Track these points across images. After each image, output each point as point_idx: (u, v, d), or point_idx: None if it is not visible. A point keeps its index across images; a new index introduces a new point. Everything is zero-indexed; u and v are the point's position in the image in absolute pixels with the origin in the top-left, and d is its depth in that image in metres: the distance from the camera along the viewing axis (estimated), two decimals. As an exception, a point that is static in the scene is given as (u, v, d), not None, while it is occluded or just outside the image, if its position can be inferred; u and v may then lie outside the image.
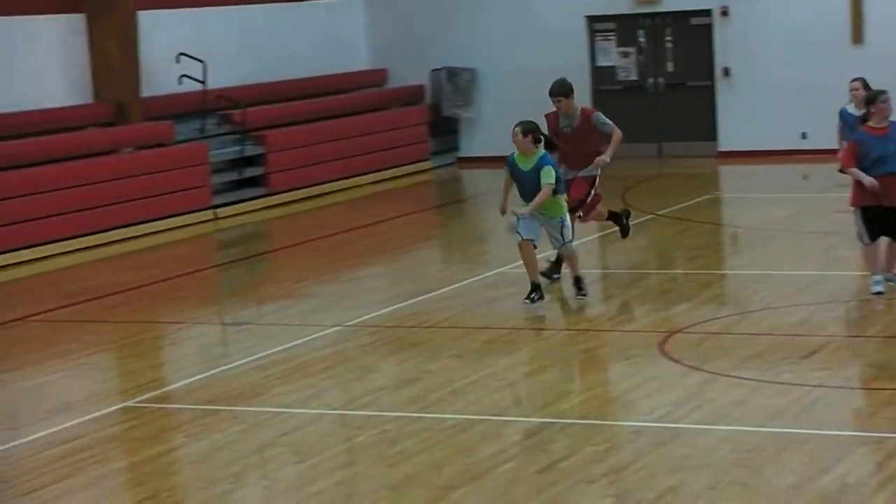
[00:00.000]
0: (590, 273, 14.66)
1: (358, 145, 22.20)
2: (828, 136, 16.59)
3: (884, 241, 12.25)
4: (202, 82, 20.36)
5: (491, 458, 8.61)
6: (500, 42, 23.89)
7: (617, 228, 14.70)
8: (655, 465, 8.32)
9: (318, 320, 12.74)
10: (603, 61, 23.64)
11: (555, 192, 12.53)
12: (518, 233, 12.54)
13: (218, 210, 19.72)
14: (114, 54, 19.22)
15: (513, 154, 12.73)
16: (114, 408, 10.34)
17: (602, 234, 17.08)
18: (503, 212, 12.93)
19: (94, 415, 10.12)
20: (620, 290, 13.80)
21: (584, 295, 12.79)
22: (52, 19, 18.96)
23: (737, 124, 22.90)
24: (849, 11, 22.16)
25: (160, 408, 10.29)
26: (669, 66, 23.39)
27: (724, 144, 23.08)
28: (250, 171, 20.68)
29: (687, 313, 12.43)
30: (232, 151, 20.55)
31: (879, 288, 12.24)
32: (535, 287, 12.66)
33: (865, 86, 14.77)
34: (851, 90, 15.20)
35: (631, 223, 14.66)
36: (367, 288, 14.51)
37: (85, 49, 19.30)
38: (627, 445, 8.74)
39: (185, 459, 9.11)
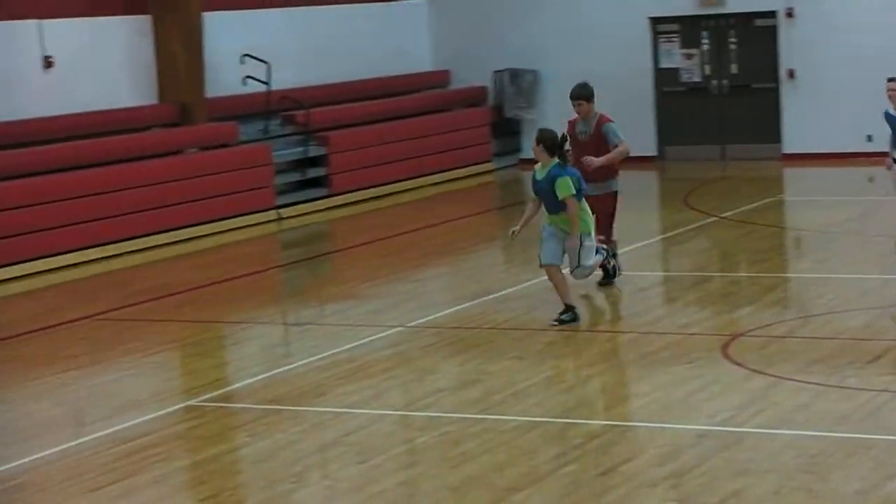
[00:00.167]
0: (651, 276, 14.65)
1: (420, 146, 22.22)
2: (894, 138, 16.41)
3: None
4: (266, 83, 20.45)
5: (553, 461, 8.58)
6: (562, 43, 23.83)
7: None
8: (719, 470, 8.25)
9: (380, 321, 12.76)
10: (666, 63, 23.53)
11: (579, 193, 11.97)
12: (539, 256, 12.19)
13: (281, 210, 19.80)
14: (179, 55, 19.34)
15: (535, 170, 12.30)
16: (177, 406, 10.40)
17: (664, 236, 17.01)
18: (512, 235, 12.37)
19: (158, 413, 10.18)
20: (683, 293, 13.71)
21: (563, 322, 11.96)
22: (118, 21, 19.11)
23: (801, 126, 22.72)
24: (915, 13, 21.96)
25: (223, 407, 10.34)
26: (733, 68, 23.24)
27: (789, 147, 22.90)
28: (313, 172, 20.74)
29: (750, 316, 12.34)
30: (295, 152, 20.63)
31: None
32: (568, 308, 12.10)
33: None
34: (888, 91, 14.75)
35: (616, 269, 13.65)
36: (429, 289, 14.52)
37: (150, 50, 19.43)
38: (690, 449, 8.67)
39: (247, 459, 9.15)
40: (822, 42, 22.40)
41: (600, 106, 22.39)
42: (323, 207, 20.41)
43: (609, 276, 13.34)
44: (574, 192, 11.85)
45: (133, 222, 17.55)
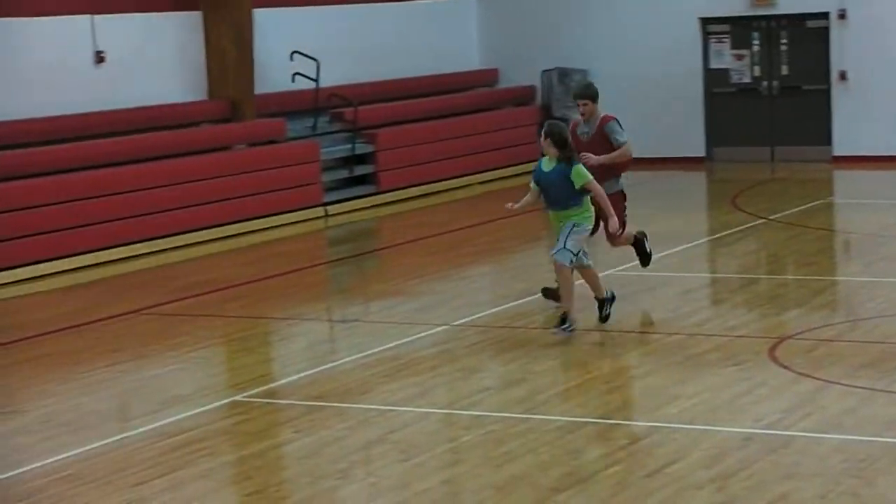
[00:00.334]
0: (699, 277, 14.59)
1: (468, 145, 22.22)
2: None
3: None
4: (315, 80, 20.50)
5: (598, 461, 8.56)
6: (611, 43, 23.78)
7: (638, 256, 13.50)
8: (765, 473, 8.21)
9: (425, 319, 12.76)
10: (716, 64, 23.42)
11: (584, 192, 11.57)
12: (552, 255, 11.72)
13: (328, 207, 19.84)
14: (229, 52, 19.42)
15: (539, 161, 11.93)
16: (223, 402, 10.44)
17: (712, 237, 16.93)
18: (509, 207, 11.91)
19: (204, 408, 10.23)
20: (730, 295, 13.65)
21: (562, 330, 11.56)
22: (169, 17, 19.21)
23: (852, 129, 22.57)
24: (969, 15, 21.78)
25: (268, 403, 10.37)
26: (784, 70, 23.11)
27: (839, 149, 22.74)
28: (360, 169, 20.78)
29: (798, 319, 12.27)
30: (343, 149, 20.67)
31: None
32: (603, 301, 12.01)
33: None
34: None
35: (651, 250, 13.43)
36: (475, 287, 14.51)
37: (201, 47, 19.52)
38: (736, 452, 8.63)
39: (292, 454, 9.17)
40: (874, 44, 22.24)
41: (648, 105, 22.50)
42: (370, 205, 20.45)
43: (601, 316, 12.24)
44: (591, 177, 11.56)
45: (181, 217, 17.64)
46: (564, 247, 11.57)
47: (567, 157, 11.55)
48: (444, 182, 21.56)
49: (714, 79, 23.44)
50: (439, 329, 12.32)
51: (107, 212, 16.77)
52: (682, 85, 23.26)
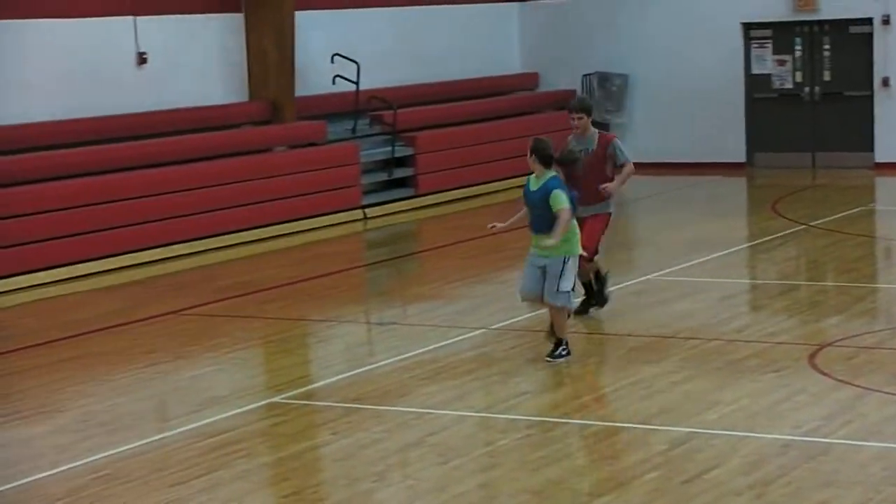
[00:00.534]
0: (738, 283, 14.52)
1: (508, 148, 22.16)
2: None
3: None
4: (355, 83, 20.53)
5: (635, 467, 8.52)
6: (652, 47, 23.71)
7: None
8: (804, 480, 8.16)
9: (463, 322, 12.75)
10: (758, 69, 23.32)
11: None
12: (518, 289, 11.29)
13: (367, 210, 19.86)
14: (270, 53, 19.48)
15: (529, 178, 11.25)
16: (261, 403, 10.46)
17: (752, 243, 16.86)
18: (491, 227, 11.41)
19: (242, 409, 10.24)
20: (770, 301, 13.57)
21: (556, 358, 11.10)
22: (211, 18, 19.28)
23: (894, 135, 22.41)
24: None
25: (306, 404, 10.38)
26: (826, 75, 22.98)
27: (881, 156, 22.59)
28: (400, 172, 20.79)
29: (838, 326, 12.19)
30: (382, 152, 20.69)
31: None
32: (559, 343, 11.17)
33: None
34: None
35: (609, 292, 12.85)
36: (513, 291, 14.46)
37: (242, 48, 19.58)
38: (775, 459, 8.58)
39: (329, 456, 9.17)
40: (918, 50, 22.12)
41: (689, 110, 22.40)
42: (408, 207, 20.45)
43: (596, 301, 12.45)
44: (569, 205, 10.86)
45: (221, 218, 17.70)
46: (559, 290, 10.94)
47: (572, 161, 11.33)
48: (483, 185, 21.54)
49: (756, 84, 23.34)
50: (477, 332, 12.31)
51: (147, 212, 16.84)
52: (723, 90, 23.17)
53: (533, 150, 11.03)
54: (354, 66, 20.46)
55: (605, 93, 23.94)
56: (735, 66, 23.22)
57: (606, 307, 12.75)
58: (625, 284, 14.21)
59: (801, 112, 23.09)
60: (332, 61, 20.43)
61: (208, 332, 13.05)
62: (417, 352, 11.64)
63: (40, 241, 15.66)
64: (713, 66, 23.18)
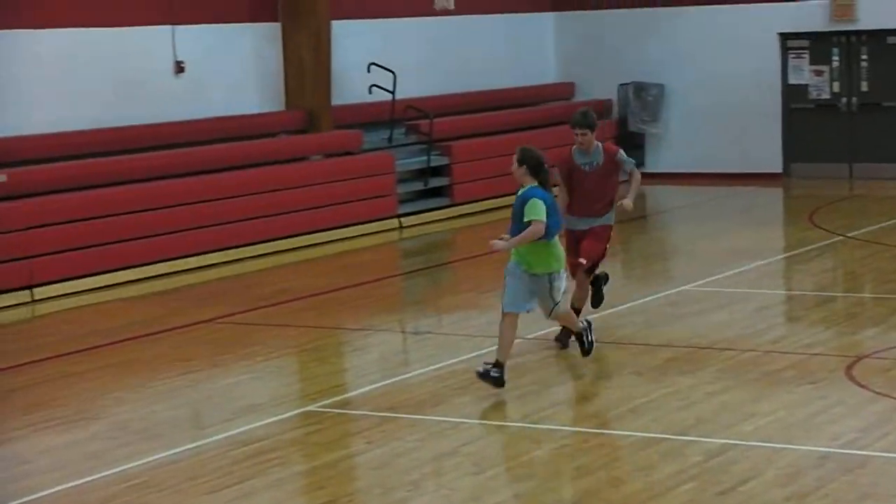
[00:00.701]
0: (774, 294, 14.44)
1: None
2: None
3: None
4: (391, 92, 20.54)
5: (671, 478, 8.47)
6: (689, 58, 23.64)
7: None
8: (841, 493, 8.09)
9: (497, 332, 12.68)
10: (795, 79, 23.22)
11: (547, 235, 10.40)
12: (503, 302, 10.63)
13: (403, 219, 19.86)
14: (307, 63, 19.51)
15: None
16: (296, 411, 10.45)
17: (788, 254, 16.77)
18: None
19: (277, 417, 10.24)
20: (806, 313, 13.49)
21: (589, 351, 11.20)
22: (248, 28, 19.33)
23: (933, 146, 22.31)
24: None
25: (341, 413, 10.36)
26: (864, 86, 22.86)
27: (919, 167, 22.49)
28: (435, 181, 20.79)
29: (875, 338, 12.10)
30: (418, 161, 20.69)
31: None
32: (498, 365, 10.52)
33: None
34: None
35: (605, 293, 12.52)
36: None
37: (279, 57, 19.62)
38: (812, 471, 8.51)
39: (364, 465, 9.16)
40: (957, 60, 21.98)
41: (725, 121, 22.39)
42: (444, 217, 20.44)
43: (584, 349, 11.36)
44: (545, 217, 10.27)
45: (256, 227, 17.73)
46: (555, 304, 10.64)
47: (543, 181, 10.45)
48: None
49: (793, 94, 23.23)
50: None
51: (183, 221, 16.88)
52: (760, 100, 23.08)
53: (522, 160, 10.41)
54: (391, 75, 20.48)
55: (641, 103, 23.88)
56: (772, 77, 23.12)
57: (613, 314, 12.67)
58: (661, 295, 14.16)
59: (838, 122, 22.97)
60: (369, 71, 20.45)
61: (243, 340, 13.06)
62: (452, 361, 11.62)
63: (78, 249, 15.72)
64: (750, 76, 23.09)
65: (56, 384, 11.57)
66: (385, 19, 21.41)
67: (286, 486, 8.76)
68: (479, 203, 20.99)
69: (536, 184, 10.46)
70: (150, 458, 9.27)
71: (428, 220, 20.18)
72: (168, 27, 18.18)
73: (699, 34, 23.56)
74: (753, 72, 23.07)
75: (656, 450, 9.06)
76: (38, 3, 16.73)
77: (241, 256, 17.36)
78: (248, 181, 17.92)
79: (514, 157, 10.45)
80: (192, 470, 9.02)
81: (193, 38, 18.44)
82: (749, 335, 12.33)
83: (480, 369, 10.57)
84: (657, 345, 11.97)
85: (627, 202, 11.88)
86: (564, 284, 10.72)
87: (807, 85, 23.20)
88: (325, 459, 9.20)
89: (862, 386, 10.36)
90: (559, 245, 10.68)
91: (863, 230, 17.68)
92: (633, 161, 12.17)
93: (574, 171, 11.85)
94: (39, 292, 15.23)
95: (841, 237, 17.31)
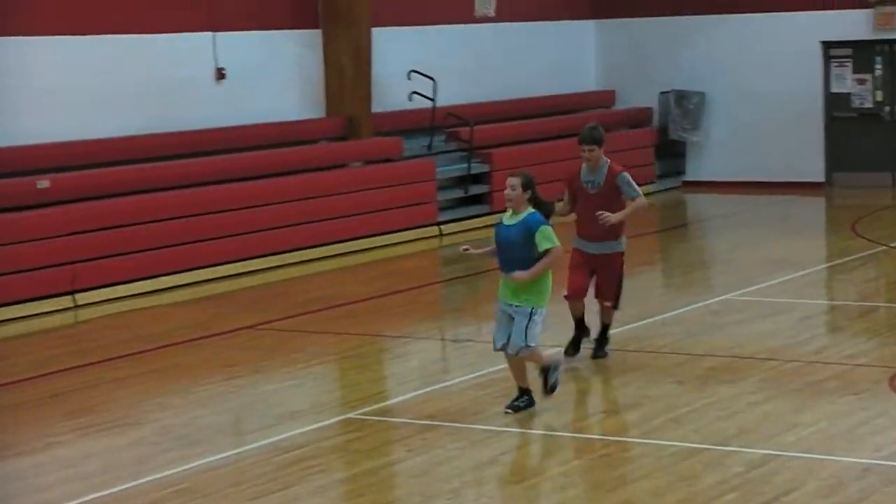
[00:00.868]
0: (817, 304, 14.41)
1: (583, 166, 22.16)
2: None
3: None
4: (432, 99, 20.61)
5: (713, 488, 8.49)
6: (730, 66, 23.60)
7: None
8: (883, 505, 8.10)
9: (540, 340, 12.70)
10: (837, 88, 23.15)
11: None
12: (494, 339, 10.22)
13: (443, 226, 19.91)
14: (347, 70, 19.60)
15: (501, 217, 10.39)
16: (336, 419, 10.51)
17: (830, 264, 16.73)
18: (463, 250, 10.36)
19: (318, 424, 10.30)
20: (849, 323, 13.46)
21: (515, 408, 10.18)
22: (289, 34, 19.43)
23: (976, 155, 22.20)
24: None
25: (381, 420, 10.42)
26: (907, 95, 22.81)
27: (962, 176, 22.39)
28: (476, 189, 20.83)
29: (919, 349, 12.07)
30: (458, 168, 20.74)
31: None
32: (523, 392, 10.27)
33: None
34: None
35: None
36: (587, 310, 14.43)
37: (319, 64, 19.72)
38: (854, 482, 8.51)
39: (405, 473, 9.20)
40: None
41: (767, 129, 22.23)
42: (484, 224, 20.45)
43: (545, 388, 10.53)
44: (558, 244, 10.08)
45: (297, 234, 17.82)
46: (527, 344, 10.02)
47: (536, 202, 10.13)
48: (558, 203, 21.46)
49: (835, 103, 23.17)
50: (552, 351, 12.26)
51: (225, 227, 16.99)
52: (802, 109, 23.02)
53: (526, 184, 10.04)
54: (431, 82, 20.54)
55: (682, 111, 23.86)
56: (814, 85, 23.07)
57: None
58: (702, 304, 14.16)
59: (880, 131, 22.89)
60: (409, 78, 20.52)
61: (285, 346, 13.14)
62: (492, 369, 11.63)
63: (120, 255, 15.84)
64: (792, 84, 23.04)
65: (99, 389, 11.68)
66: (426, 26, 21.48)
67: (328, 493, 8.82)
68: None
69: (534, 210, 10.10)
70: (193, 464, 9.35)
71: (468, 227, 20.22)
72: (209, 34, 18.30)
73: (741, 42, 23.53)
74: (795, 80, 23.01)
75: (698, 460, 9.07)
76: (79, 9, 16.87)
77: (281, 263, 17.44)
78: (289, 188, 18.01)
79: (517, 182, 10.00)
80: (235, 476, 9.09)
81: (234, 45, 18.56)
82: (791, 345, 12.32)
83: (509, 409, 10.18)
84: (698, 354, 11.98)
85: (610, 215, 11.31)
86: (539, 333, 10.11)
87: (849, 93, 23.13)
88: (365, 467, 9.26)
89: (905, 397, 10.36)
90: (549, 280, 10.23)
91: (906, 240, 17.63)
92: (639, 191, 11.57)
93: (579, 189, 11.62)
94: (82, 297, 15.36)
95: (884, 247, 17.26)
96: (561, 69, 24.08)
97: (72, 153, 16.51)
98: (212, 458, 9.47)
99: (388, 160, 19.89)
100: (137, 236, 16.06)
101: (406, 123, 20.64)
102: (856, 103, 23.11)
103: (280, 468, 9.21)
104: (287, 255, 17.61)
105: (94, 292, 15.49)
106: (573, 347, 11.92)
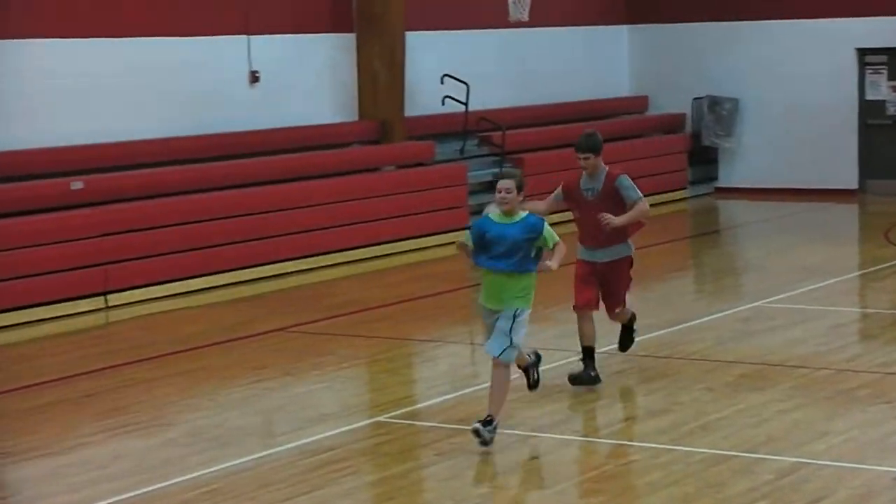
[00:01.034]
0: (849, 312, 14.35)
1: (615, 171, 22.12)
2: None
3: None
4: (464, 104, 20.62)
5: (742, 496, 8.46)
6: (764, 72, 23.53)
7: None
8: (914, 515, 8.06)
9: (567, 345, 12.69)
10: (872, 95, 23.05)
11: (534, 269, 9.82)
12: (488, 347, 9.77)
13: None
14: (380, 74, 19.63)
15: (486, 214, 9.96)
16: (366, 422, 10.53)
17: (863, 271, 16.67)
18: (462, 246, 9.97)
19: (347, 427, 10.33)
20: (881, 331, 13.40)
21: (487, 439, 9.52)
22: (322, 38, 19.48)
23: None
24: None
25: (410, 424, 10.43)
26: (941, 102, 22.69)
27: None
28: (507, 194, 20.79)
29: (951, 358, 12.01)
30: (490, 173, 20.72)
31: None
32: (492, 419, 9.59)
33: None
34: None
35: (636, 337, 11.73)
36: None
37: (353, 68, 19.76)
38: (886, 492, 8.48)
39: (433, 477, 9.21)
40: None
41: (801, 136, 22.07)
42: (515, 229, 20.43)
43: (529, 384, 10.51)
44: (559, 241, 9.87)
45: (329, 237, 17.85)
46: (511, 344, 9.64)
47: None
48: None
49: (869, 110, 23.07)
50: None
51: (257, 229, 17.03)
52: (836, 116, 22.94)
53: (520, 186, 9.76)
54: (464, 87, 20.56)
55: (715, 117, 23.81)
56: (849, 92, 22.97)
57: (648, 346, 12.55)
58: (733, 311, 14.12)
59: (915, 139, 22.80)
60: (442, 82, 20.54)
61: (315, 349, 13.17)
62: (521, 374, 11.62)
63: (152, 256, 15.91)
64: (826, 91, 22.96)
65: (131, 390, 11.73)
66: (459, 31, 21.50)
67: (357, 496, 8.83)
68: (551, 215, 20.90)
69: (527, 212, 9.90)
70: (224, 465, 9.38)
71: (499, 231, 20.17)
72: (243, 37, 18.37)
73: (775, 48, 23.45)
74: (829, 87, 22.93)
75: (727, 467, 9.05)
76: (116, 13, 16.96)
77: (312, 266, 17.48)
78: (321, 191, 18.05)
79: (511, 185, 9.69)
80: (265, 477, 9.11)
81: (268, 48, 18.62)
82: (822, 353, 12.27)
83: (483, 442, 9.54)
84: (729, 361, 11.95)
85: (612, 219, 10.93)
86: (523, 335, 9.75)
87: (884, 101, 23.03)
88: (394, 470, 9.27)
89: (937, 406, 10.31)
90: (535, 283, 9.94)
91: (939, 248, 17.54)
92: (639, 194, 11.13)
93: (578, 196, 11.22)
94: (113, 298, 15.43)
95: (917, 255, 17.19)
96: (594, 74, 24.06)
97: (106, 155, 16.60)
98: (241, 460, 9.50)
99: (420, 164, 19.91)
100: (169, 238, 16.12)
101: (438, 127, 20.66)
102: (891, 110, 23.00)
103: (309, 470, 9.23)
104: (318, 258, 17.65)
105: (126, 293, 15.55)
106: (578, 378, 11.16)
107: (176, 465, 9.47)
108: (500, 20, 21.43)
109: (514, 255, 9.74)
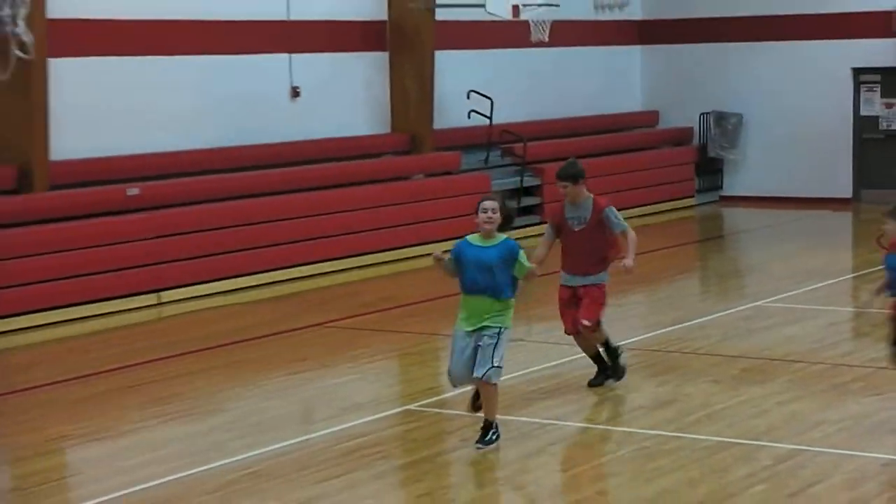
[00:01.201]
0: (843, 311, 14.29)
1: (628, 181, 22.11)
2: None
3: None
4: (489, 117, 20.62)
5: (743, 480, 8.44)
6: (767, 89, 23.47)
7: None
8: (903, 498, 8.02)
9: (503, 363, 12.60)
10: (867, 111, 22.96)
11: (512, 293, 9.35)
12: (450, 372, 9.36)
13: (497, 235, 19.87)
14: (411, 90, 19.65)
15: (465, 238, 9.48)
16: (397, 410, 10.54)
17: (856, 274, 16.59)
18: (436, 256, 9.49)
19: (379, 415, 10.33)
20: (873, 329, 13.29)
21: (488, 443, 9.21)
22: (358, 56, 19.50)
23: None
24: None
25: (438, 412, 10.42)
26: (932, 118, 22.58)
27: (982, 194, 22.11)
28: (528, 200, 20.81)
29: (939, 354, 11.91)
30: (512, 181, 20.73)
31: None
32: (491, 424, 9.28)
33: None
34: None
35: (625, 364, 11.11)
36: (630, 314, 14.39)
37: (386, 84, 19.78)
38: (876, 476, 8.44)
39: (459, 461, 9.20)
40: None
41: (799, 149, 21.90)
42: (535, 233, 20.40)
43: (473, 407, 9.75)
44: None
45: (363, 240, 17.87)
46: (493, 365, 9.13)
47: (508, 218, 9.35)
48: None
49: (864, 125, 22.97)
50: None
51: (297, 233, 17.06)
52: (833, 130, 22.85)
53: (502, 208, 9.27)
54: (488, 102, 20.56)
55: (720, 130, 23.76)
56: (845, 108, 22.89)
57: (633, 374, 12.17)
58: (736, 310, 14.08)
59: (907, 153, 22.68)
60: (468, 97, 20.55)
61: (351, 343, 13.18)
62: (541, 367, 11.65)
63: (201, 257, 15.95)
64: (824, 107, 22.88)
65: (180, 380, 11.76)
66: (484, 50, 21.50)
67: (388, 479, 8.84)
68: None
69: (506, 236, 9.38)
70: (264, 450, 9.39)
71: (521, 235, 20.16)
72: (285, 55, 18.40)
73: (777, 67, 23.38)
74: (827, 103, 22.84)
75: (730, 453, 9.02)
76: (169, 33, 17.01)
77: (348, 266, 17.49)
78: (356, 198, 18.07)
79: (496, 206, 9.22)
80: (302, 461, 9.13)
81: (308, 66, 18.65)
82: (819, 349, 12.22)
83: (481, 445, 9.22)
84: (732, 356, 11.91)
85: (628, 262, 10.40)
86: (504, 353, 9.27)
87: (877, 116, 22.93)
88: (422, 454, 9.26)
89: (925, 399, 10.25)
90: (513, 305, 9.43)
91: (928, 253, 17.39)
92: (625, 225, 10.58)
93: (563, 226, 10.73)
94: (165, 296, 15.48)
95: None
96: (609, 91, 24.03)
97: (160, 164, 16.65)
98: (281, 445, 9.51)
99: (447, 173, 19.91)
100: (217, 240, 16.16)
101: (464, 139, 20.67)
102: (883, 125, 22.91)
103: (343, 455, 9.24)
104: (352, 259, 17.67)
105: (177, 291, 15.60)
106: (599, 377, 10.95)
107: (220, 449, 9.49)
108: (522, 41, 21.40)
109: (494, 279, 9.25)
